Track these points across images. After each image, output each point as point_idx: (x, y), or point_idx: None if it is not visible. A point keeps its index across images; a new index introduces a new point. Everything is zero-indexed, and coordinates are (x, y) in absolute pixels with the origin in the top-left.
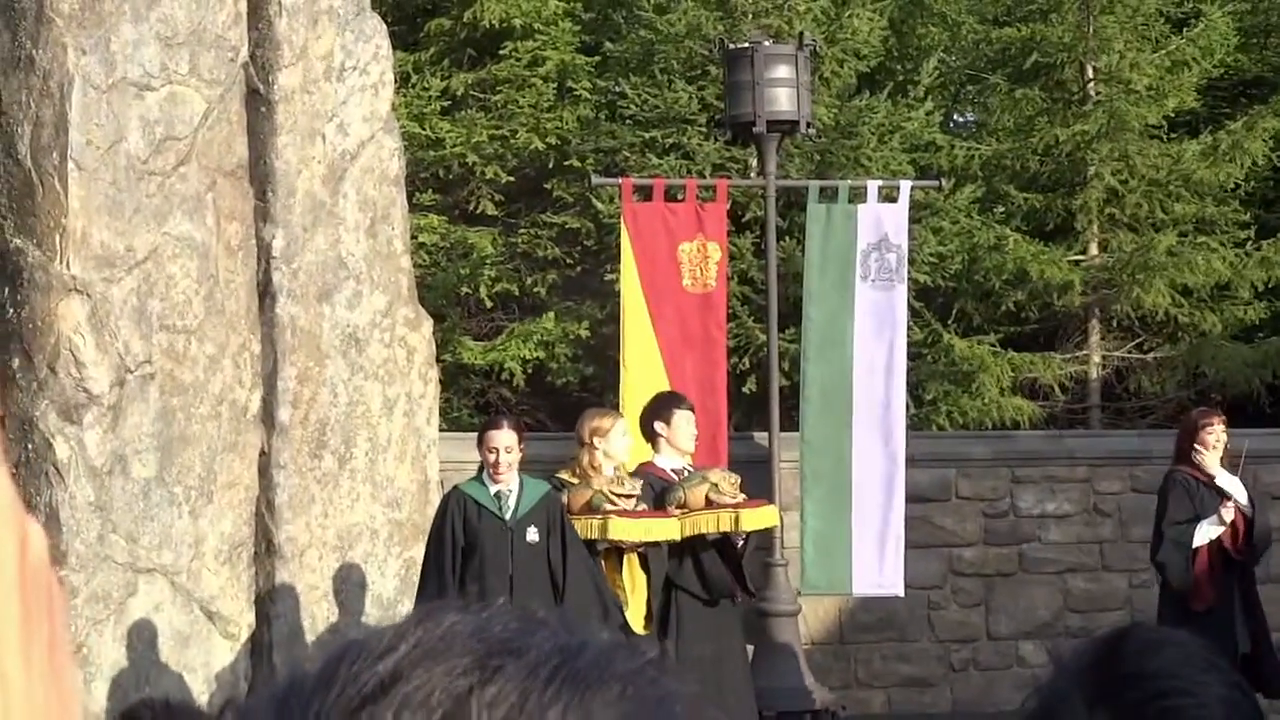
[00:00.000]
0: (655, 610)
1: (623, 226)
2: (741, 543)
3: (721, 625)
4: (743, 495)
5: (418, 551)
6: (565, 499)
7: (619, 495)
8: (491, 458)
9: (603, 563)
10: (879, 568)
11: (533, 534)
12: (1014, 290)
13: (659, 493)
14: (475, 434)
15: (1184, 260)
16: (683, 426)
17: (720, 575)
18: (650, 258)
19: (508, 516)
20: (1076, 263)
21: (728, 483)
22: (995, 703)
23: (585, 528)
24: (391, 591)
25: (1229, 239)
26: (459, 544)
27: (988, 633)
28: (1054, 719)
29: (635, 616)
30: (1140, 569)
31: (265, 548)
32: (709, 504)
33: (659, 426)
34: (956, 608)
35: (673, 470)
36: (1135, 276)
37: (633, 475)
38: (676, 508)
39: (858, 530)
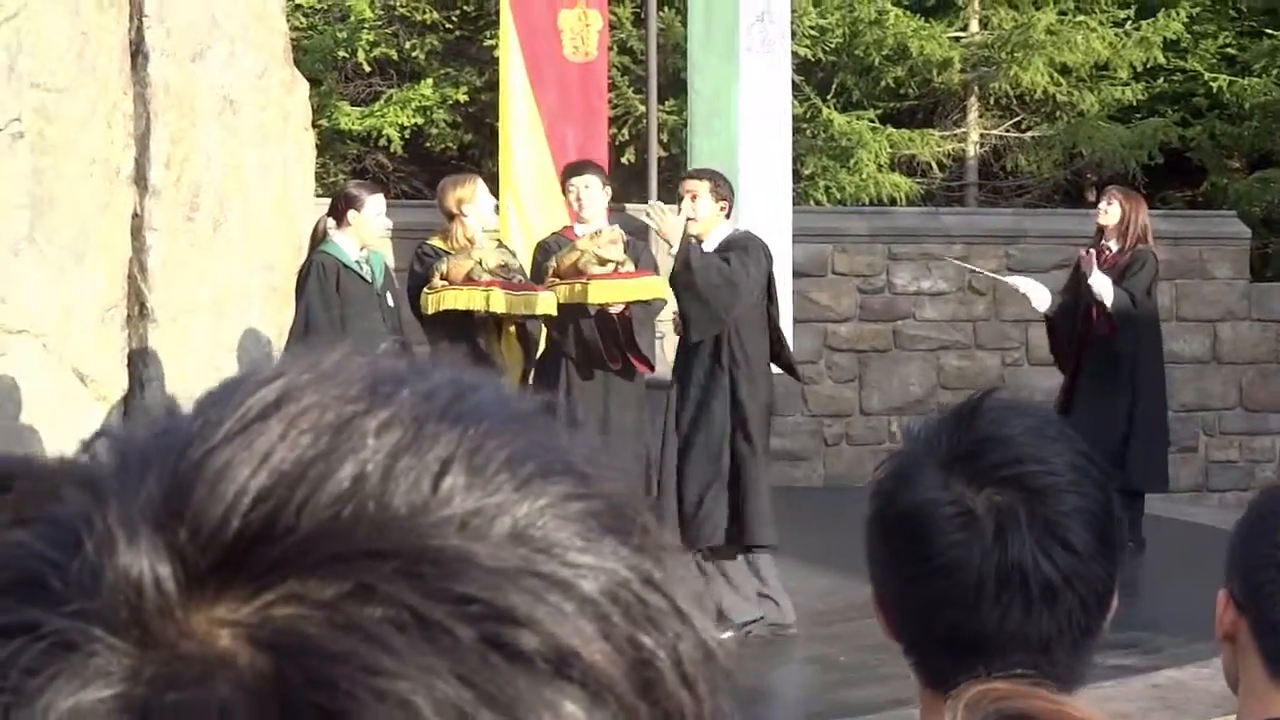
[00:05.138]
0: (546, 378)
1: None
2: (620, 311)
3: (613, 395)
4: (619, 265)
5: (290, 316)
6: (444, 268)
7: (605, 259)
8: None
9: (483, 332)
10: None
11: (390, 299)
12: (894, 66)
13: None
14: None
15: (1063, 39)
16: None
17: (594, 342)
18: (530, 25)
19: (371, 281)
20: (956, 39)
21: (595, 253)
22: (866, 477)
23: (469, 298)
24: (264, 356)
25: (1108, 18)
26: (335, 305)
27: (860, 408)
28: (908, 483)
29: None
30: (1011, 347)
31: (138, 311)
32: (579, 273)
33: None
34: (830, 383)
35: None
36: (1014, 54)
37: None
38: (553, 275)
39: None
